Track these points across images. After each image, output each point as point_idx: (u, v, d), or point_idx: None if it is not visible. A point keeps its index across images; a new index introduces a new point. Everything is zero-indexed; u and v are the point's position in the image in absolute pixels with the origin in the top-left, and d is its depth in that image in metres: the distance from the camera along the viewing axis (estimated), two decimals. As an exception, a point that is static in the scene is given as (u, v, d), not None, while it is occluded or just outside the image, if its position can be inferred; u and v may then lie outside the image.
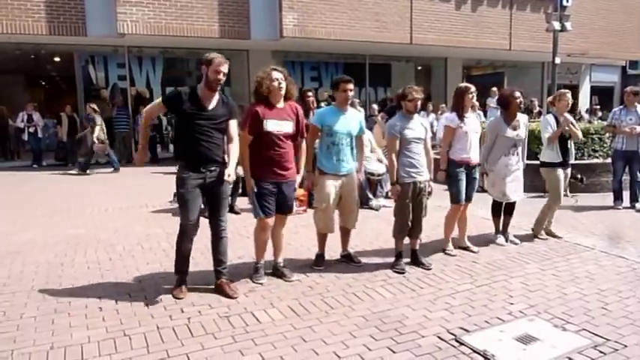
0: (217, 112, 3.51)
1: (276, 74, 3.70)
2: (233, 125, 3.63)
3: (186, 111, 3.43)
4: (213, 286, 3.72)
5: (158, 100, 3.69)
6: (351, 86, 4.05)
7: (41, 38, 10.75)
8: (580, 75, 19.24)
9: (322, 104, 8.23)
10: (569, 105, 5.17)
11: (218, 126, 3.52)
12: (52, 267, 4.33)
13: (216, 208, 3.65)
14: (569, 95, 5.17)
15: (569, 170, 5.29)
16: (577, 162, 7.84)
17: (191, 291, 3.64)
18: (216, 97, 3.53)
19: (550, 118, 5.15)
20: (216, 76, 3.41)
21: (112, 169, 10.79)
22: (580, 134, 5.26)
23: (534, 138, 6.92)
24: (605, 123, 7.99)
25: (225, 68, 3.44)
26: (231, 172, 3.47)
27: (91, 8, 10.49)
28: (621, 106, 7.01)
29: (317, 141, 4.23)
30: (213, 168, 3.51)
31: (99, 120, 10.64)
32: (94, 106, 10.76)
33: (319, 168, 4.10)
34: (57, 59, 13.15)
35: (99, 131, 10.52)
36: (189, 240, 3.60)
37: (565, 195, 7.47)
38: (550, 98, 5.49)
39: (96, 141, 10.47)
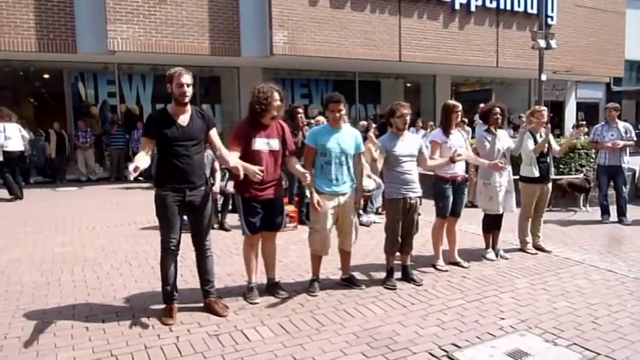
0: (193, 128, 3.42)
1: (277, 96, 3.72)
2: (213, 134, 3.55)
3: (161, 131, 3.35)
4: (202, 304, 3.67)
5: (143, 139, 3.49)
6: (340, 106, 3.93)
7: (31, 55, 10.72)
8: (566, 91, 19.63)
9: (312, 121, 8.26)
10: (545, 121, 5.20)
11: (196, 142, 3.43)
12: (37, 286, 4.25)
13: (198, 227, 3.56)
14: (545, 112, 5.24)
15: (549, 185, 5.34)
16: (566, 176, 7.95)
17: (180, 310, 3.59)
18: (189, 112, 3.44)
19: (527, 135, 5.17)
20: (180, 89, 3.33)
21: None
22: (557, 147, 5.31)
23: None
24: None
25: (186, 79, 3.35)
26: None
27: (81, 25, 10.49)
28: (603, 123, 7.11)
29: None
30: (192, 186, 3.43)
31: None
32: None
33: (315, 188, 4.00)
34: (46, 76, 13.08)
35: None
36: (172, 258, 3.50)
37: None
38: (526, 114, 5.53)
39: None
